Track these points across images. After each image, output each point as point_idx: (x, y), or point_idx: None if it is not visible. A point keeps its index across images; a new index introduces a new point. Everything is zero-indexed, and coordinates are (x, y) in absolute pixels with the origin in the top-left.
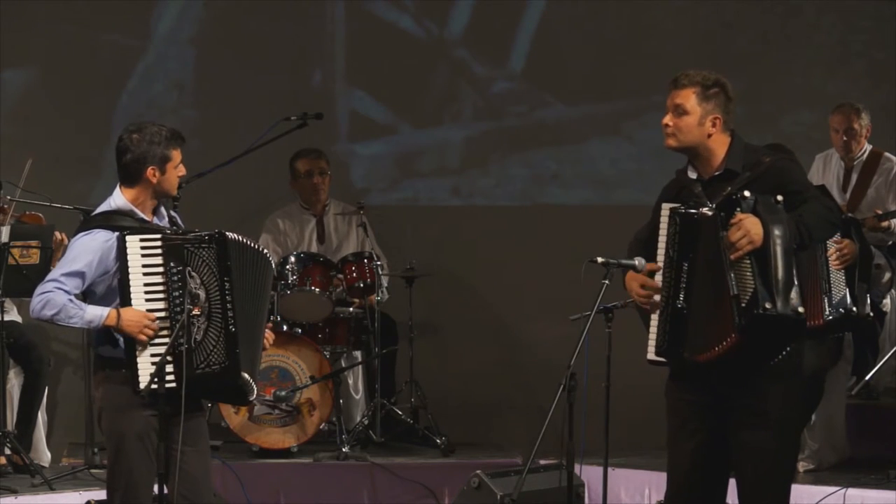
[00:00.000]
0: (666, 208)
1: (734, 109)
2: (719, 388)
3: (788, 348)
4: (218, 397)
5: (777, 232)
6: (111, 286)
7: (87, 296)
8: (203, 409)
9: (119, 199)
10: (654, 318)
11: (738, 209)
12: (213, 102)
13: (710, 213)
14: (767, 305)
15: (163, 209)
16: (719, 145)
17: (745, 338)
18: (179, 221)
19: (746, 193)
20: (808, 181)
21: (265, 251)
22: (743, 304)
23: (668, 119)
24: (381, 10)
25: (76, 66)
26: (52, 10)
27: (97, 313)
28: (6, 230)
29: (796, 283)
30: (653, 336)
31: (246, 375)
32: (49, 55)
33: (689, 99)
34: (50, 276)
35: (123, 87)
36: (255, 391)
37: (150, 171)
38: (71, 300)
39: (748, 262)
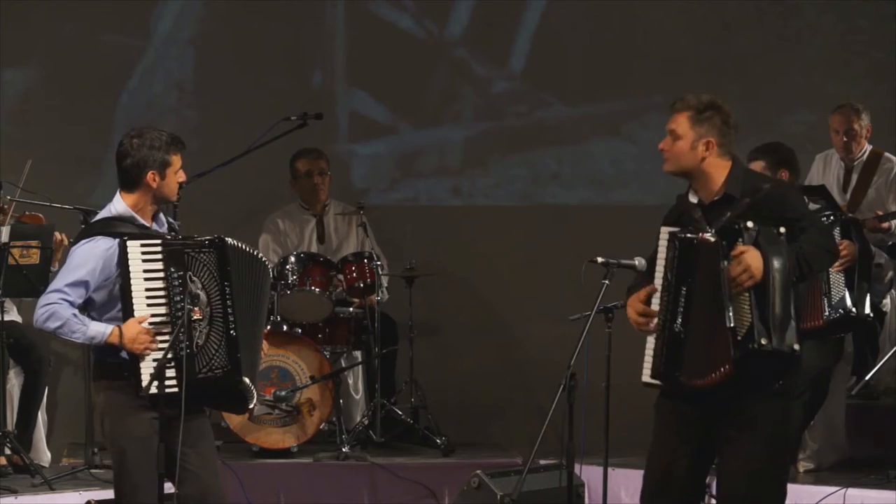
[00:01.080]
0: (665, 232)
1: (732, 133)
2: (710, 403)
3: (781, 381)
4: (217, 404)
5: (777, 265)
6: (112, 293)
7: (87, 303)
8: (204, 409)
9: (119, 205)
10: (650, 341)
11: (741, 240)
12: (213, 102)
13: (711, 238)
14: (763, 341)
15: (162, 216)
16: (716, 169)
17: (740, 370)
18: (178, 228)
19: (749, 224)
20: (807, 208)
21: (263, 258)
22: (739, 338)
23: (662, 144)
24: (381, 10)
25: (76, 66)
26: (52, 10)
27: (100, 330)
28: (6, 230)
29: (794, 319)
30: (648, 358)
31: (247, 380)
32: (49, 55)
33: (681, 124)
34: (53, 285)
35: (123, 87)
36: (255, 398)
37: (149, 175)
38: (75, 314)
39: (747, 294)
